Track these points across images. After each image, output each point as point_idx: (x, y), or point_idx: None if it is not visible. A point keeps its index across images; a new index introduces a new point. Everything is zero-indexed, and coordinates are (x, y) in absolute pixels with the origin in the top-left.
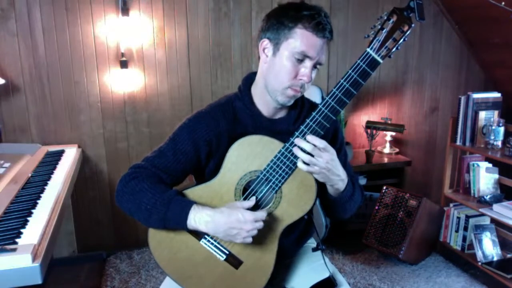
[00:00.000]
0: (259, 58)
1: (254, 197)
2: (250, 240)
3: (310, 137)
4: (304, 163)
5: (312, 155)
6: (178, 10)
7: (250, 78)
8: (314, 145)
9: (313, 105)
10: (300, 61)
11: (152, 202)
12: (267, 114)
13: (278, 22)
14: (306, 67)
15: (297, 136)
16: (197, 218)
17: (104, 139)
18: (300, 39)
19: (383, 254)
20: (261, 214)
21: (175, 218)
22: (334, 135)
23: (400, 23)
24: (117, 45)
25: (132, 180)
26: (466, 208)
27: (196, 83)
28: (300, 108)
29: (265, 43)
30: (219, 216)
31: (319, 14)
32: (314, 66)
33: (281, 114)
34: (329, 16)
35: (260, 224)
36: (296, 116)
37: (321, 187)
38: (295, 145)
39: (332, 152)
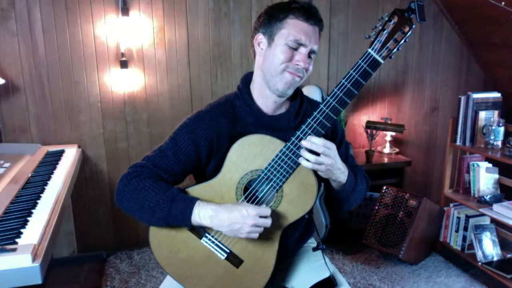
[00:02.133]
0: (254, 56)
1: (269, 208)
2: (255, 235)
3: (314, 139)
4: (308, 161)
5: (317, 154)
6: (178, 10)
7: (248, 77)
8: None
9: (312, 102)
10: (295, 49)
11: (155, 200)
12: (267, 111)
13: (269, 16)
14: (301, 53)
15: (299, 136)
16: (201, 213)
17: (104, 139)
18: (292, 28)
19: (383, 254)
20: (265, 210)
21: (179, 215)
22: (332, 131)
23: (401, 24)
24: (117, 45)
25: (133, 179)
26: (466, 208)
27: (196, 83)
28: (299, 104)
29: (260, 37)
30: (223, 210)
31: (308, 4)
32: (309, 56)
33: (281, 110)
34: (317, 8)
35: (265, 221)
36: (295, 111)
37: (325, 183)
38: (298, 144)
39: (334, 148)
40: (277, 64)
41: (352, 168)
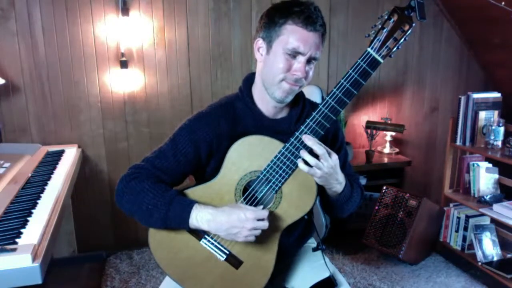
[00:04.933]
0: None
1: (261, 207)
2: (252, 239)
3: (309, 138)
4: (307, 164)
5: (318, 158)
6: (178, 10)
7: (250, 79)
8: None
9: (314, 106)
10: (293, 57)
11: (153, 202)
12: (268, 114)
13: (269, 21)
14: (299, 62)
15: (298, 137)
16: (199, 217)
17: (104, 139)
18: (290, 35)
19: (383, 254)
20: (263, 212)
21: (176, 218)
22: (334, 135)
23: (401, 23)
24: (117, 45)
25: (132, 180)
26: (466, 208)
27: (196, 83)
28: (301, 108)
29: (260, 42)
30: (221, 214)
31: (309, 8)
32: (309, 62)
33: (282, 114)
34: (320, 11)
35: (263, 224)
36: (297, 116)
37: (320, 187)
38: (297, 145)
39: (336, 158)
40: (275, 74)
41: (348, 176)
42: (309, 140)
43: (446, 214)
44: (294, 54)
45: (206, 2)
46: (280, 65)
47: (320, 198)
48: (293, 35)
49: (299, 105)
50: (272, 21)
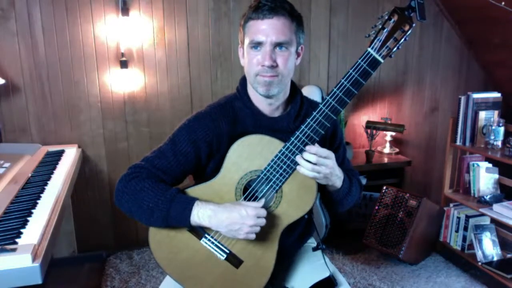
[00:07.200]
0: None
1: (263, 199)
2: (253, 236)
3: (312, 148)
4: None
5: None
6: (178, 10)
7: (246, 79)
8: (316, 154)
9: (312, 104)
10: (258, 50)
11: (154, 201)
12: (266, 113)
13: (240, 27)
14: (263, 52)
15: (298, 136)
16: (200, 213)
17: (104, 139)
18: (250, 31)
19: (383, 254)
20: (263, 211)
21: (178, 215)
22: (333, 132)
23: (401, 23)
24: (117, 45)
25: (132, 180)
26: (466, 208)
27: (196, 83)
28: (299, 106)
29: (240, 50)
30: (222, 210)
31: None
32: (279, 48)
33: (280, 112)
34: None
35: (262, 221)
36: (295, 114)
37: (320, 185)
38: (297, 145)
39: (333, 157)
40: (249, 71)
41: (347, 172)
42: (313, 149)
43: (446, 214)
44: (256, 46)
45: (206, 2)
46: (250, 61)
47: (320, 194)
48: (251, 30)
49: (297, 103)
50: (241, 26)
